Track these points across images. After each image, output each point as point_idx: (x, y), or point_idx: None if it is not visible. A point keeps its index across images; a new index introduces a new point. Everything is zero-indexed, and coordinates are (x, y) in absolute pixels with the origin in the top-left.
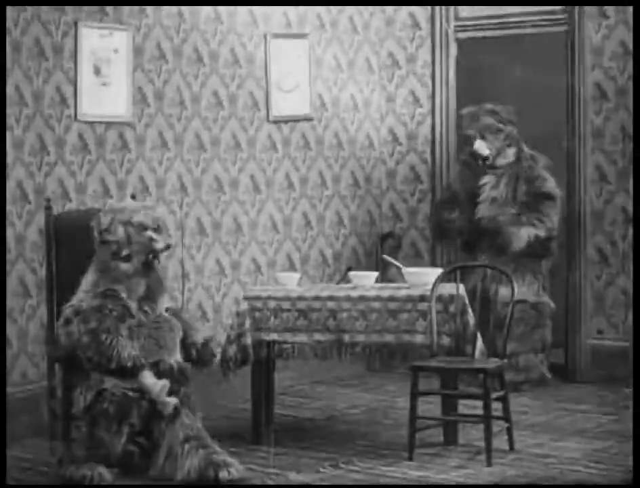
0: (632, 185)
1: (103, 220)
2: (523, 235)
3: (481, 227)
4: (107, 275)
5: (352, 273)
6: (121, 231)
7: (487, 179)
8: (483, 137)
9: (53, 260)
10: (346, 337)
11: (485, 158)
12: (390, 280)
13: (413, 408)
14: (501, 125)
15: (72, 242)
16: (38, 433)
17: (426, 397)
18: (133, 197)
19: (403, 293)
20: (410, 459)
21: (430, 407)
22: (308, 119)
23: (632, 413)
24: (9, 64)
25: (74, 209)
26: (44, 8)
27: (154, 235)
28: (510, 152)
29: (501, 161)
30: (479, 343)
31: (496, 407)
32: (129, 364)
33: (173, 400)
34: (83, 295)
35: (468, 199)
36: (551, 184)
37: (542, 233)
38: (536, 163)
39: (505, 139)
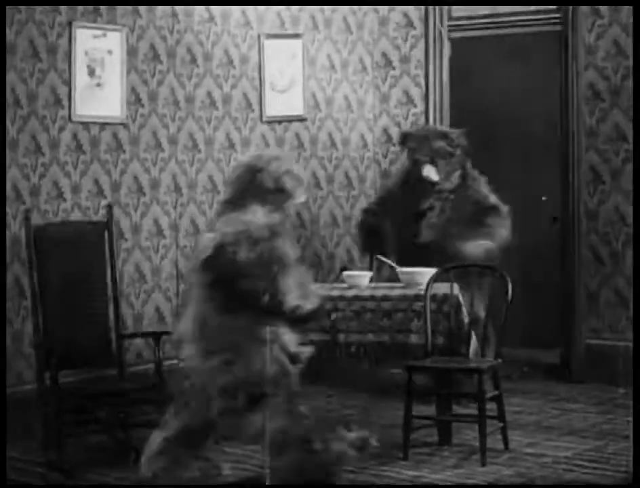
0: (632, 186)
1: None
2: (472, 251)
3: (427, 248)
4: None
5: (346, 273)
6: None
7: (434, 204)
8: (432, 162)
9: (35, 271)
10: (341, 337)
11: (434, 184)
12: (385, 280)
13: (407, 408)
14: (451, 149)
15: (56, 253)
16: (33, 434)
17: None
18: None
19: (397, 293)
20: (405, 458)
21: (425, 406)
22: (301, 119)
23: (628, 412)
24: None
25: (54, 222)
26: (38, 9)
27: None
28: (456, 176)
29: (447, 185)
30: (473, 342)
31: (490, 407)
32: (287, 307)
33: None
34: (245, 225)
35: (407, 216)
36: (494, 199)
37: (491, 244)
38: (479, 184)
39: (454, 164)
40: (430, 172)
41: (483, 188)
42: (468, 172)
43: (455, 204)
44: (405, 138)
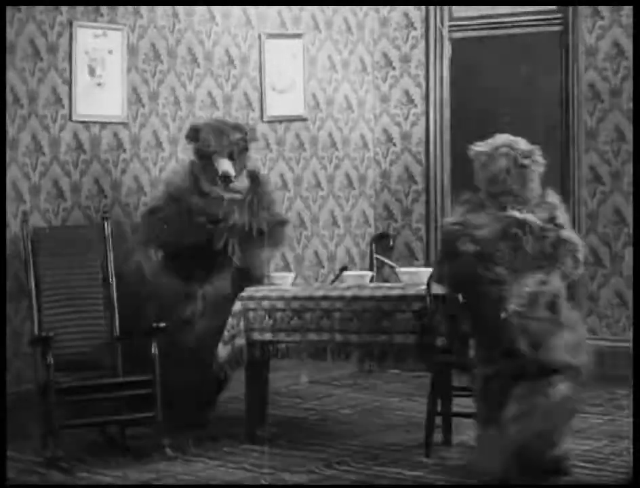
0: (632, 185)
1: None
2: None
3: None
4: None
5: (346, 273)
6: None
7: (228, 208)
8: (230, 157)
9: (33, 272)
10: (340, 337)
11: (229, 181)
12: (384, 280)
13: (432, 406)
14: (246, 144)
15: (54, 256)
16: (33, 434)
17: (412, 397)
18: None
19: (396, 293)
20: (427, 456)
21: (415, 405)
22: (302, 119)
23: (628, 412)
24: None
25: (53, 226)
26: (38, 8)
27: None
28: (244, 175)
29: (239, 184)
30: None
31: None
32: None
33: None
34: None
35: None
36: (280, 210)
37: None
38: (267, 186)
39: (244, 162)
40: (228, 167)
41: (272, 193)
42: (256, 172)
43: (249, 209)
44: (197, 131)
